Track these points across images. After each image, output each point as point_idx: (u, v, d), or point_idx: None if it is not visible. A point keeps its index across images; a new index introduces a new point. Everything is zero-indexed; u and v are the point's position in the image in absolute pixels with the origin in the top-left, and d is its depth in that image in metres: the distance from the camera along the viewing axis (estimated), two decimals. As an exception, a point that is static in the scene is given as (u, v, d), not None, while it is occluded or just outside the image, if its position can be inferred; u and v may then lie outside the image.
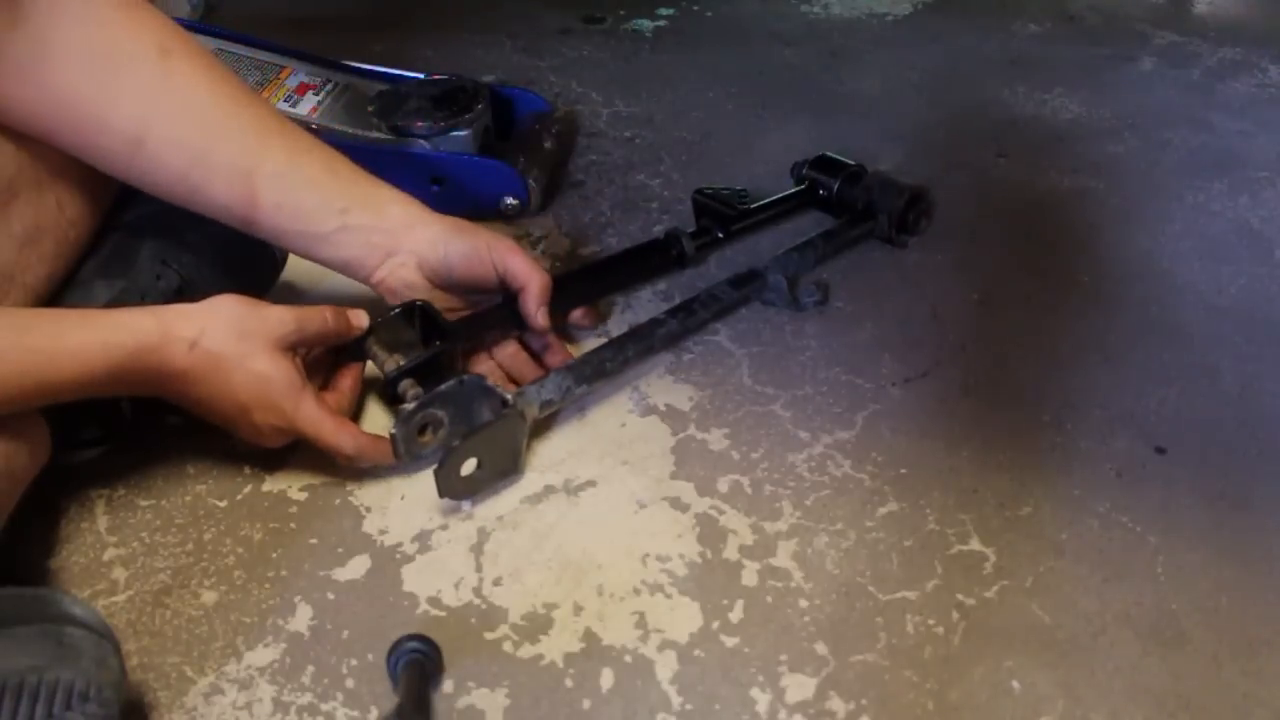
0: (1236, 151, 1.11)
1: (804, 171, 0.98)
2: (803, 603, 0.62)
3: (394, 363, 0.69)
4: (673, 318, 0.80)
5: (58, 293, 0.68)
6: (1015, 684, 0.58)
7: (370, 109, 0.97)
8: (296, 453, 0.71)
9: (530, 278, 0.73)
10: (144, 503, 0.68)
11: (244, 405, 0.63)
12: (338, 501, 0.68)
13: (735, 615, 0.61)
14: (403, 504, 0.68)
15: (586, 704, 0.57)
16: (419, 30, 1.37)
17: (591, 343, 0.80)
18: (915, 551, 0.65)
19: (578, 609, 0.62)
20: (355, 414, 0.72)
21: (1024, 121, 1.17)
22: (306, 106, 0.99)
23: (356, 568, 0.64)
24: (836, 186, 0.96)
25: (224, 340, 0.62)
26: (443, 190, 0.94)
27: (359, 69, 1.05)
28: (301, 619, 0.61)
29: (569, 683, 0.58)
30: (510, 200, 0.96)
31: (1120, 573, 0.64)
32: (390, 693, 0.57)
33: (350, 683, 0.57)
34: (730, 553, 0.65)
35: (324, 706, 0.56)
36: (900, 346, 0.82)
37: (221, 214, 0.69)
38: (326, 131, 0.96)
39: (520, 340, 0.78)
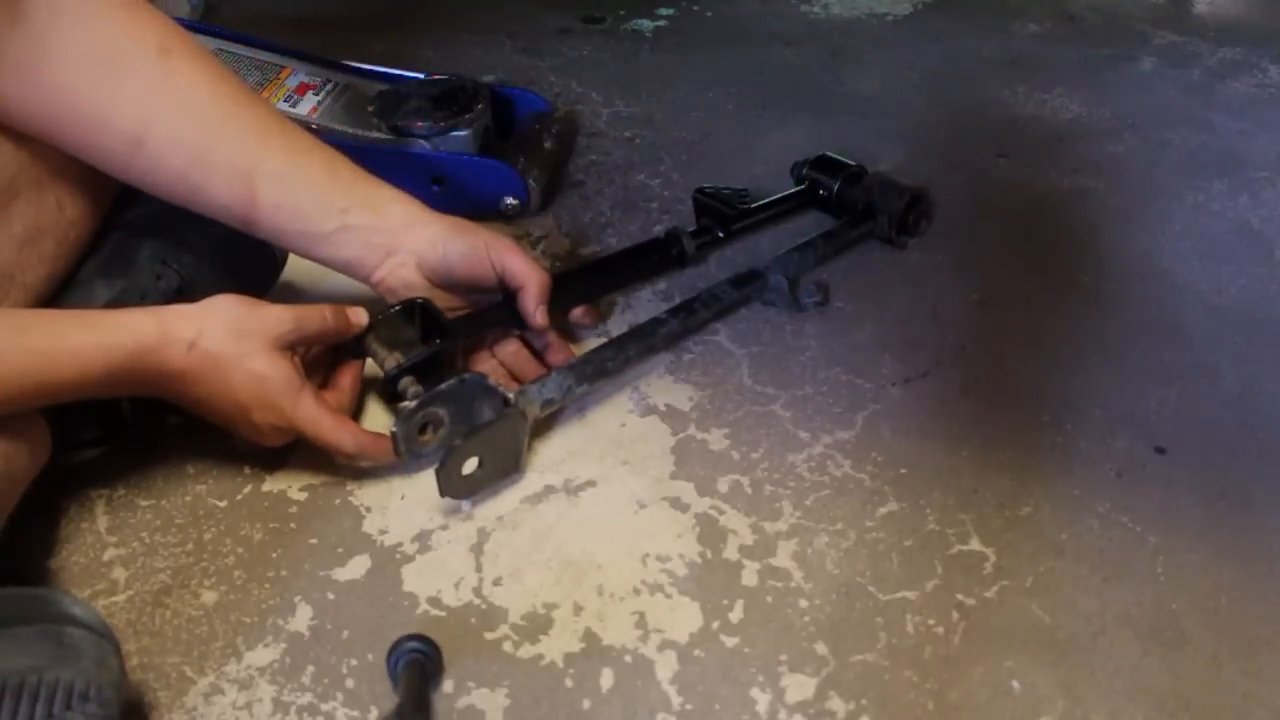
0: (1236, 151, 1.11)
1: (804, 172, 0.98)
2: (803, 603, 0.62)
3: (394, 360, 0.69)
4: (674, 317, 0.80)
5: (58, 293, 0.68)
6: (1015, 684, 0.58)
7: (370, 109, 0.97)
8: (296, 453, 0.71)
9: (529, 277, 0.73)
10: (144, 503, 0.68)
11: (243, 405, 0.63)
12: (338, 501, 0.68)
13: (735, 615, 0.61)
14: (403, 504, 0.68)
15: (586, 704, 0.57)
16: (419, 30, 1.37)
17: (592, 342, 0.80)
18: (915, 551, 0.65)
19: (578, 609, 0.62)
20: (355, 412, 0.72)
21: (1024, 121, 1.17)
22: (306, 106, 0.99)
23: (356, 568, 0.64)
24: (837, 187, 0.96)
25: (222, 340, 0.62)
26: (443, 190, 0.94)
27: (359, 69, 1.05)
28: (301, 619, 0.61)
29: (569, 683, 0.58)
30: (510, 200, 0.96)
31: (1120, 573, 0.64)
32: (390, 693, 0.57)
33: (350, 683, 0.57)
34: (730, 553, 0.65)
35: (324, 706, 0.56)
36: (900, 346, 0.82)
37: (221, 214, 0.69)
38: (326, 131, 0.96)
39: (522, 338, 0.78)
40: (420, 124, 0.94)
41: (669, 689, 0.57)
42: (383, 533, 0.66)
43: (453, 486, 0.66)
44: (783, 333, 0.84)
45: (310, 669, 0.58)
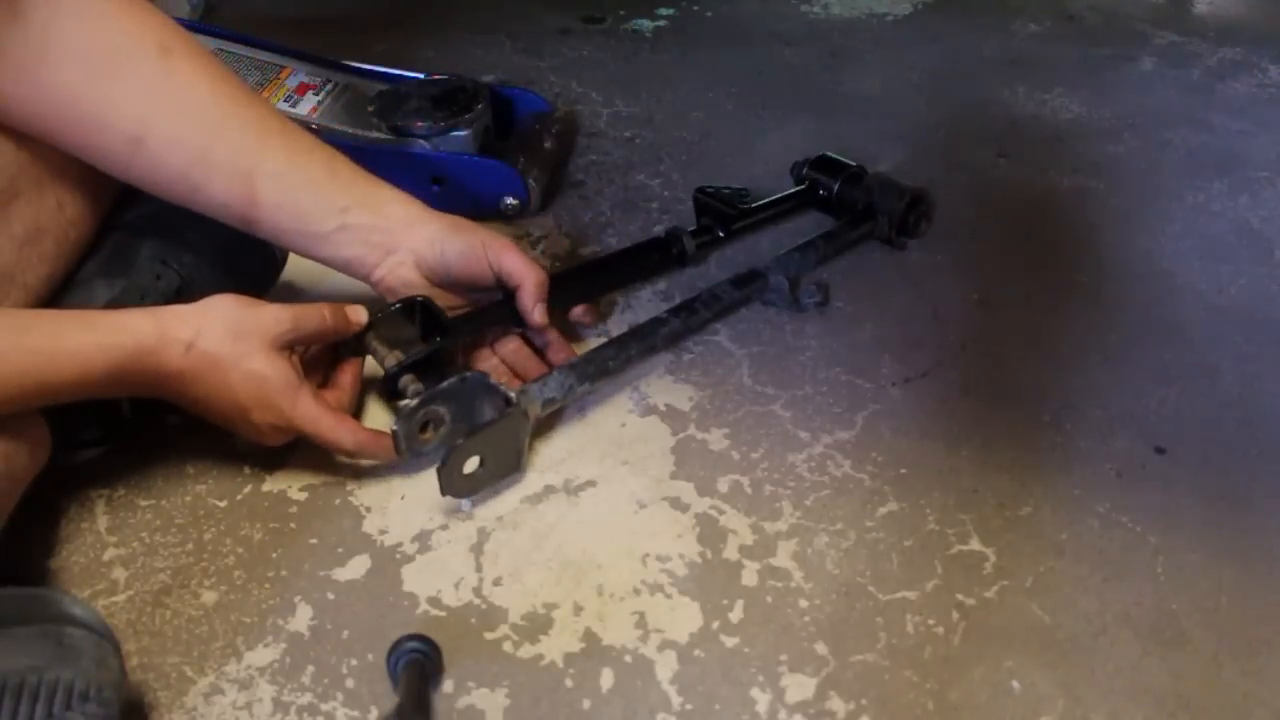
0: (1236, 151, 1.11)
1: (804, 172, 0.98)
2: (803, 603, 0.62)
3: (394, 358, 0.69)
4: (675, 317, 0.80)
5: (58, 293, 0.68)
6: (1015, 684, 0.58)
7: (370, 109, 0.97)
8: (296, 453, 0.71)
9: (525, 275, 0.73)
10: (144, 503, 0.68)
11: (242, 405, 0.63)
12: (338, 501, 0.68)
13: (735, 615, 0.61)
14: (403, 504, 0.68)
15: (586, 704, 0.57)
16: (419, 30, 1.37)
17: (592, 342, 0.80)
18: (915, 551, 0.65)
19: (578, 609, 0.62)
20: (356, 411, 0.72)
21: (1024, 121, 1.17)
22: (306, 106, 0.99)
23: (356, 568, 0.64)
24: (837, 187, 0.96)
25: (220, 341, 0.62)
26: (443, 190, 0.94)
27: (359, 69, 1.05)
28: (301, 619, 0.61)
29: (569, 683, 0.58)
30: (510, 200, 0.96)
31: (1120, 573, 0.64)
32: (390, 693, 0.57)
33: (350, 683, 0.57)
34: (730, 553, 0.65)
35: (324, 706, 0.56)
36: (900, 346, 0.82)
37: (221, 213, 0.69)
38: (326, 131, 0.96)
39: (522, 336, 0.78)
40: (420, 124, 0.94)
41: (669, 689, 0.57)
42: (383, 533, 0.66)
43: (454, 485, 0.66)
44: (783, 333, 0.84)
45: (310, 669, 0.58)
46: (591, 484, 0.70)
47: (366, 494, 0.69)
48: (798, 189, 0.98)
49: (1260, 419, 0.76)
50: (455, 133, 0.95)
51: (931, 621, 0.61)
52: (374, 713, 0.56)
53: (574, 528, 0.67)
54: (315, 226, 0.70)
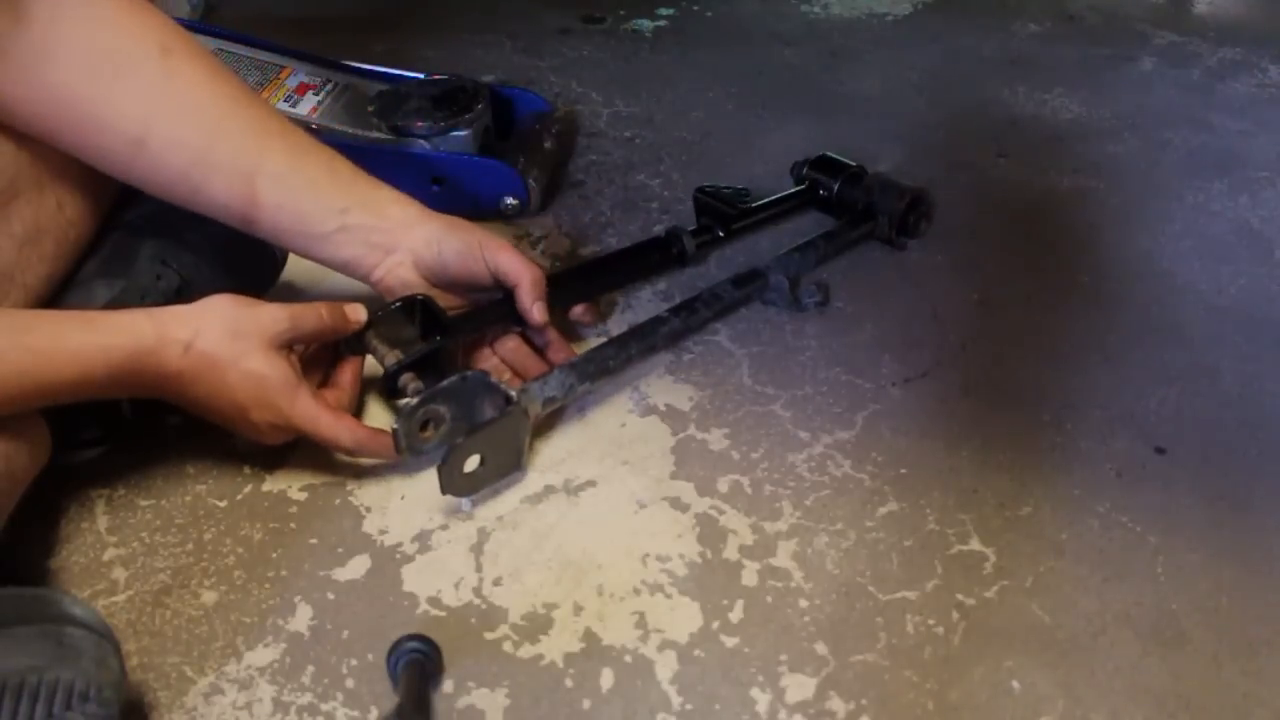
0: (1236, 151, 1.11)
1: (804, 172, 0.98)
2: (803, 603, 0.62)
3: (394, 357, 0.69)
4: (675, 316, 0.80)
5: (58, 293, 0.68)
6: (1015, 684, 0.58)
7: (370, 109, 0.97)
8: (296, 452, 0.71)
9: (521, 273, 0.73)
10: (144, 503, 0.68)
11: (241, 404, 0.63)
12: (338, 501, 0.68)
13: (735, 615, 0.61)
14: (403, 504, 0.68)
15: (586, 704, 0.57)
16: (419, 30, 1.37)
17: (592, 342, 0.80)
18: (915, 551, 0.65)
19: (578, 609, 0.62)
20: (357, 410, 0.72)
21: (1024, 121, 1.17)
22: (306, 106, 0.99)
23: (356, 568, 0.64)
24: (837, 187, 0.96)
25: (218, 341, 0.62)
26: (443, 190, 0.94)
27: (359, 69, 1.05)
28: (301, 619, 0.61)
29: (569, 683, 0.58)
30: (510, 200, 0.96)
31: (1120, 573, 0.64)
32: (390, 693, 0.57)
33: (350, 683, 0.57)
34: (730, 553, 0.65)
35: (324, 706, 0.56)
36: (900, 346, 0.82)
37: (221, 213, 0.69)
38: (326, 131, 0.96)
39: (522, 335, 0.78)
40: (420, 124, 0.94)
41: (669, 689, 0.57)
42: (383, 533, 0.66)
43: (454, 484, 0.66)
44: (783, 333, 0.84)
45: (310, 669, 0.58)
46: (591, 484, 0.70)
47: (366, 494, 0.69)
48: (798, 189, 0.98)
49: (1260, 419, 0.76)
50: (455, 133, 0.95)
51: (931, 621, 0.61)
52: (374, 713, 0.56)
53: (574, 528, 0.67)
54: (315, 227, 0.70)
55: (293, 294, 0.84)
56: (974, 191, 1.04)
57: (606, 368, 0.75)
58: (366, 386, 0.74)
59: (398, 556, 0.65)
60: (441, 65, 1.23)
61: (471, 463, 0.67)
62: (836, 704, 0.57)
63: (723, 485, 0.70)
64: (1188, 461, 0.72)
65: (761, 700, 0.57)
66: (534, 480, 0.70)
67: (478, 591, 0.63)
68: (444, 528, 0.67)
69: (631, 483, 0.70)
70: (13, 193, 0.64)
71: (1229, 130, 1.15)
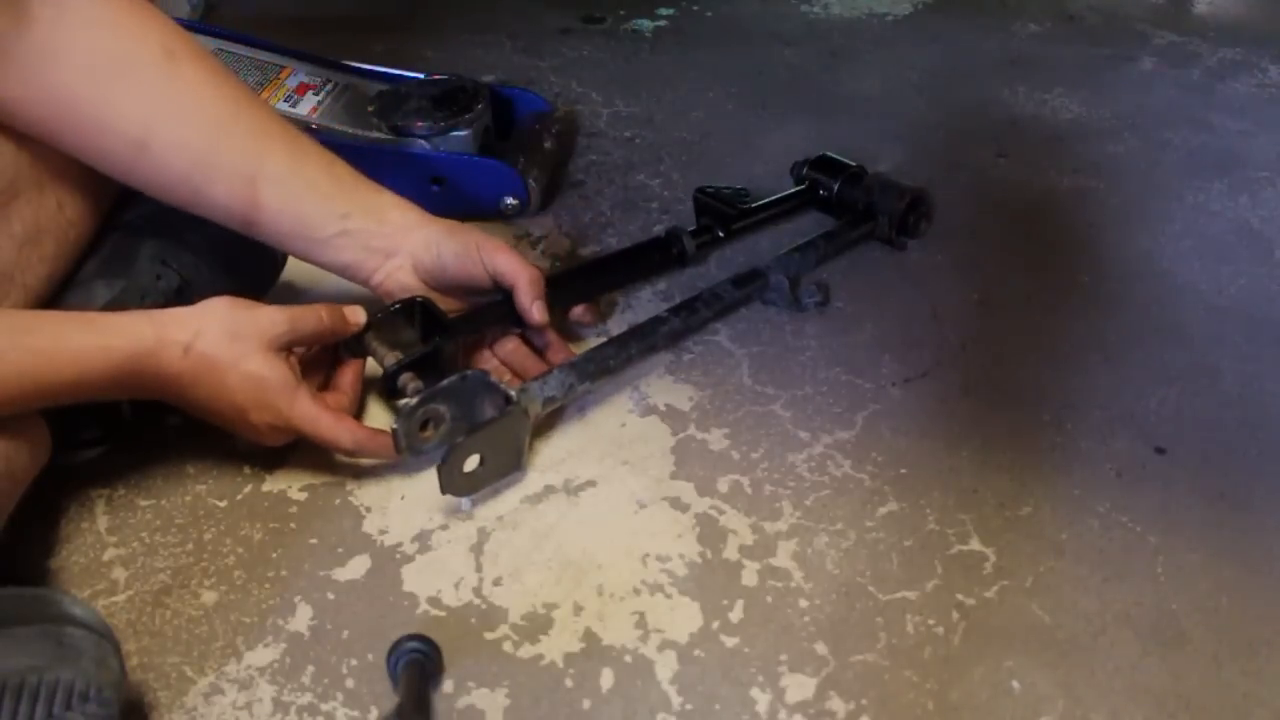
0: (1236, 151, 1.11)
1: (804, 172, 0.98)
2: (803, 603, 0.62)
3: (393, 358, 0.69)
4: (675, 316, 0.80)
5: (58, 293, 0.68)
6: (1015, 684, 0.58)
7: (370, 109, 0.97)
8: (296, 453, 0.71)
9: (519, 274, 0.73)
10: (144, 503, 0.68)
11: (240, 406, 0.63)
12: (338, 501, 0.68)
13: (735, 615, 0.61)
14: (403, 504, 0.68)
15: (586, 704, 0.57)
16: (419, 30, 1.37)
17: (591, 342, 0.80)
18: (915, 551, 0.65)
19: (578, 609, 0.62)
20: (357, 412, 0.72)
21: (1024, 121, 1.17)
22: (306, 106, 0.99)
23: (356, 568, 0.64)
24: (837, 187, 0.96)
25: (217, 343, 0.62)
26: (443, 190, 0.94)
27: (359, 69, 1.05)
28: (301, 619, 0.61)
29: (569, 683, 0.58)
30: (510, 200, 0.96)
31: (1120, 573, 0.64)
32: (390, 693, 0.57)
33: (350, 683, 0.57)
34: (730, 553, 0.65)
35: (324, 706, 0.56)
36: (900, 346, 0.82)
37: (223, 216, 0.69)
38: (326, 131, 0.96)
39: (521, 336, 0.78)
40: (420, 124, 0.94)
41: (669, 689, 0.57)
42: (383, 533, 0.66)
43: (454, 484, 0.66)
44: (783, 333, 0.84)
45: (310, 669, 0.58)
46: (591, 484, 0.70)
47: (366, 494, 0.69)
48: (798, 189, 0.98)
49: (1260, 419, 0.76)
50: (455, 133, 0.95)
51: (931, 621, 0.61)
52: (374, 713, 0.56)
53: (574, 528, 0.67)
54: (316, 231, 0.70)
55: (292, 294, 0.84)
56: (974, 191, 1.04)
57: (606, 367, 0.75)
58: (366, 387, 0.74)
59: (398, 556, 0.65)
60: (441, 65, 1.23)
61: (471, 462, 0.67)
62: (836, 704, 0.57)
63: (723, 485, 0.70)
64: (1188, 461, 0.72)
65: (761, 700, 0.57)
66: (534, 480, 0.70)
67: (478, 591, 0.63)
68: (444, 528, 0.67)
69: (631, 483, 0.70)
70: (13, 193, 0.64)
71: (1229, 130, 1.15)
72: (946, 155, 1.09)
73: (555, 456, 0.72)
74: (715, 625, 0.61)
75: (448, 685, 0.57)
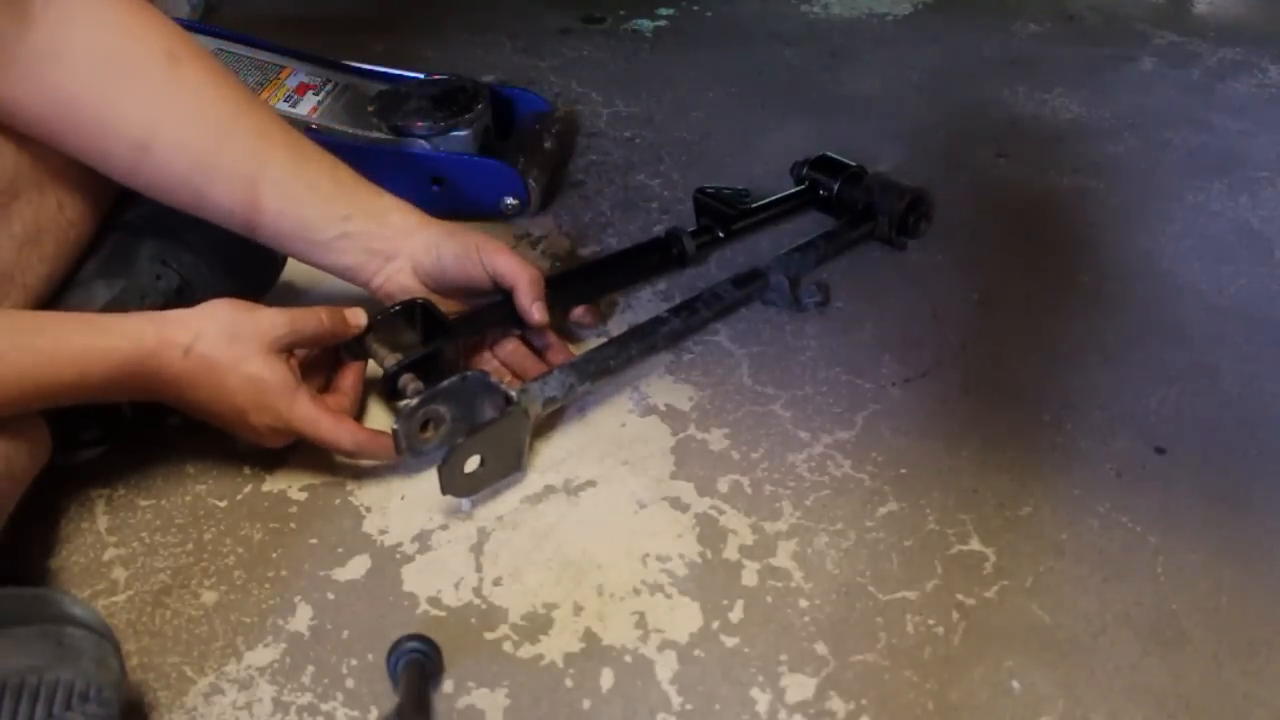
0: (1236, 151, 1.11)
1: (804, 172, 0.98)
2: (803, 603, 0.62)
3: (394, 359, 0.69)
4: (675, 316, 0.80)
5: (58, 293, 0.68)
6: (1015, 684, 0.58)
7: (370, 109, 0.97)
8: (296, 453, 0.71)
9: (518, 274, 0.73)
10: (144, 503, 0.68)
11: (240, 408, 0.63)
12: (338, 501, 0.68)
13: (735, 615, 0.61)
14: (403, 504, 0.68)
15: (586, 704, 0.57)
16: (419, 30, 1.37)
17: (591, 343, 0.80)
18: (915, 551, 0.65)
19: (578, 609, 0.62)
20: (358, 414, 0.72)
21: (1024, 121, 1.17)
22: (306, 106, 0.99)
23: (356, 568, 0.64)
24: (837, 187, 0.96)
25: (217, 345, 0.62)
26: (443, 190, 0.94)
27: (359, 69, 1.05)
28: (301, 619, 0.61)
29: (569, 683, 0.58)
30: (510, 200, 0.96)
31: (1120, 573, 0.64)
32: (390, 693, 0.57)
33: (350, 683, 0.57)
34: (730, 553, 0.65)
35: (324, 706, 0.56)
36: (900, 346, 0.82)
37: (224, 218, 0.69)
38: (326, 131, 0.96)
39: (521, 337, 0.78)
40: (420, 124, 0.94)
41: (669, 689, 0.57)
42: (383, 533, 0.66)
43: (455, 484, 0.66)
44: (783, 333, 0.84)
45: (310, 669, 0.58)
46: (591, 484, 0.70)
47: (366, 494, 0.69)
48: (798, 189, 0.98)
49: (1260, 419, 0.76)
50: (455, 133, 0.95)
51: (931, 621, 0.61)
52: (374, 713, 0.56)
53: (574, 528, 0.67)
54: (317, 234, 0.70)
55: (292, 295, 0.84)
56: (974, 191, 1.04)
57: (607, 368, 0.75)
58: (367, 389, 0.74)
59: (398, 556, 0.65)
60: (441, 65, 1.23)
61: (472, 463, 0.67)
62: (836, 704, 0.57)
63: (723, 485, 0.70)
64: (1188, 461, 0.72)
65: (761, 700, 0.57)
66: (534, 480, 0.70)
67: (478, 591, 0.63)
68: (444, 528, 0.67)
69: (631, 483, 0.70)
70: (13, 193, 0.64)
71: (1229, 130, 1.15)
72: (946, 155, 1.09)
73: (555, 457, 0.72)
74: (715, 625, 0.61)
75: (448, 685, 0.57)
